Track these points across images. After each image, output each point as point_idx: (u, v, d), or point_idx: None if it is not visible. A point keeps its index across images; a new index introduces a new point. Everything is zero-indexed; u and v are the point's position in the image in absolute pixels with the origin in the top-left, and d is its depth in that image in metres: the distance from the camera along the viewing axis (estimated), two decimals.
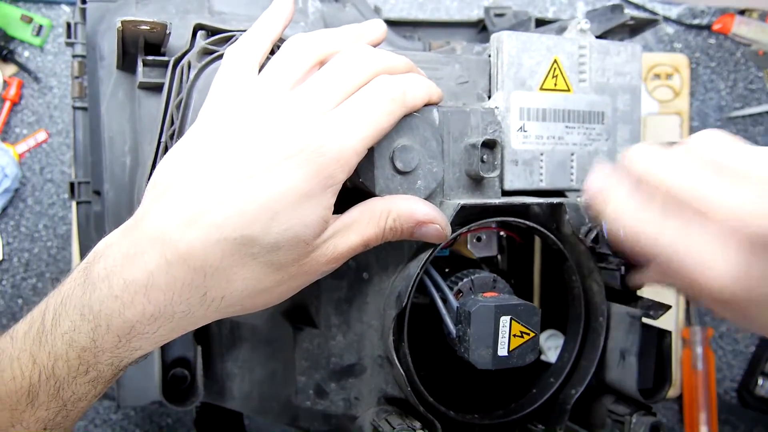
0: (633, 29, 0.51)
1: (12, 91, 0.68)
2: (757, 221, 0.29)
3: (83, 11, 0.49)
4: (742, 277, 0.29)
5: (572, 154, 0.45)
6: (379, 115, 0.34)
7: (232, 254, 0.31)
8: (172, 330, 0.33)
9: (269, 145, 0.32)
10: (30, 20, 0.67)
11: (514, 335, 0.38)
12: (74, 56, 0.52)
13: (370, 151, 0.36)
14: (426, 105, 0.38)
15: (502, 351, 0.38)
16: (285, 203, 0.31)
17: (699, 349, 0.73)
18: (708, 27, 0.79)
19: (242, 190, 0.31)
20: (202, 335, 0.46)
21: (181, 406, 0.46)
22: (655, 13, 0.79)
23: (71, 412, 0.33)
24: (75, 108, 0.52)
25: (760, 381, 0.75)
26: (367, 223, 0.35)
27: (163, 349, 0.46)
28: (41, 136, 0.68)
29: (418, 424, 0.39)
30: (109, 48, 0.47)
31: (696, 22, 0.79)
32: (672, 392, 0.74)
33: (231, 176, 0.32)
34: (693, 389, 0.72)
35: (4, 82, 0.68)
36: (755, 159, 0.30)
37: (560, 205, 0.42)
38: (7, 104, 0.68)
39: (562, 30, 0.47)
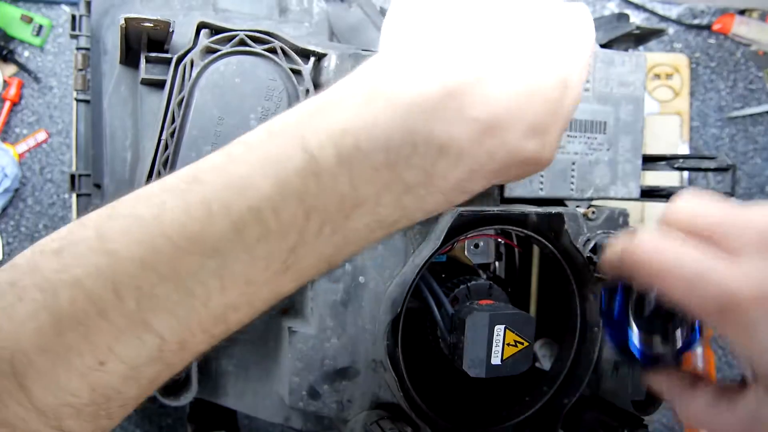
0: (638, 38, 0.51)
1: (12, 91, 0.67)
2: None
3: (88, 4, 0.49)
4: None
5: (573, 164, 0.45)
6: None
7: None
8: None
9: None
10: (30, 20, 0.67)
11: (508, 344, 0.38)
12: (78, 48, 0.52)
13: None
14: None
15: (496, 359, 0.38)
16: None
17: (699, 349, 0.73)
18: (708, 27, 0.79)
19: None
20: None
21: (174, 402, 0.46)
22: (655, 14, 0.78)
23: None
24: (77, 100, 0.52)
25: None
26: None
27: None
28: (41, 136, 0.68)
29: (409, 429, 0.40)
30: (112, 42, 0.47)
31: (696, 22, 0.79)
32: None
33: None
34: None
35: (4, 82, 0.67)
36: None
37: (559, 214, 0.42)
38: (7, 104, 0.67)
39: None
